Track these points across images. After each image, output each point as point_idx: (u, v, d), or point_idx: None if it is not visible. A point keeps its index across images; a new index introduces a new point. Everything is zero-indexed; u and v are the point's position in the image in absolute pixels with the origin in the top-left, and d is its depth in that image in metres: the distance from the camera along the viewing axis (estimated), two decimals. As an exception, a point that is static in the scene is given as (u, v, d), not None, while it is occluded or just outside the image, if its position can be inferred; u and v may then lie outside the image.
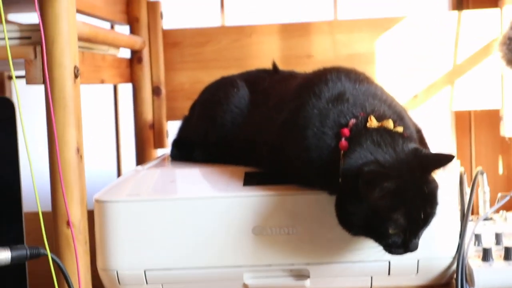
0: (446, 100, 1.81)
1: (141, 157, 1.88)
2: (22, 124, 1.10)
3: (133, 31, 1.86)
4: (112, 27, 1.94)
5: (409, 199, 1.05)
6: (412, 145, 1.10)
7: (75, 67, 1.22)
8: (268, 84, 1.41)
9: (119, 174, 2.07)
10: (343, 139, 1.12)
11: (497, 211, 1.43)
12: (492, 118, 1.90)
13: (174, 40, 1.88)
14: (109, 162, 2.06)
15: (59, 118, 1.20)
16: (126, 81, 1.84)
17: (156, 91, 1.87)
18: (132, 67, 1.86)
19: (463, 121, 1.95)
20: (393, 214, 1.05)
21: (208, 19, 1.98)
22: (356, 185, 1.06)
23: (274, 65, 1.50)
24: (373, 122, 1.12)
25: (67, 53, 1.21)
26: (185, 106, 1.83)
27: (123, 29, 1.90)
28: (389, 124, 1.11)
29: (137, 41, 1.80)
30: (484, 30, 1.79)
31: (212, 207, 1.21)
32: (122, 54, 1.80)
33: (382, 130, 1.10)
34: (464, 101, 1.81)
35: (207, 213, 1.21)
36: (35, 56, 1.23)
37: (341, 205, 1.10)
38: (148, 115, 1.87)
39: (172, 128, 1.89)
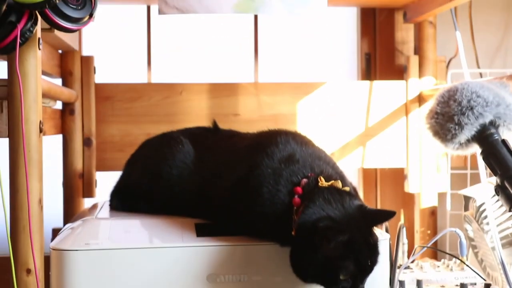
0: (359, 158, 2.00)
1: (69, 205, 1.93)
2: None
3: (66, 84, 1.92)
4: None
5: (358, 249, 1.20)
6: (357, 202, 1.25)
7: (40, 122, 1.29)
8: (212, 142, 1.53)
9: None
10: (296, 196, 1.25)
11: (412, 261, 1.61)
12: (395, 175, 2.10)
13: (106, 94, 1.96)
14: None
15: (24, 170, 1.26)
16: (58, 132, 1.90)
17: (86, 142, 1.94)
18: (63, 119, 1.92)
19: (370, 178, 2.15)
20: (344, 262, 1.19)
21: (140, 75, 2.08)
22: (311, 238, 1.19)
23: (215, 124, 1.62)
24: (323, 182, 1.26)
25: (34, 109, 1.28)
26: (114, 158, 1.92)
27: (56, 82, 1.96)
28: (338, 184, 1.26)
29: (73, 94, 1.87)
30: (392, 98, 2.01)
31: (169, 256, 1.30)
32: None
33: (332, 189, 1.25)
34: (374, 160, 2.00)
35: (164, 262, 1.30)
36: (1, 111, 1.29)
37: (296, 256, 1.22)
38: (78, 165, 1.93)
39: (101, 178, 1.96)
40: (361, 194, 2.13)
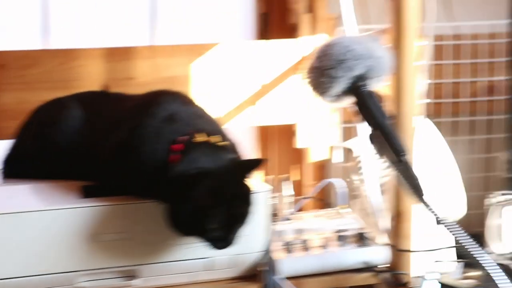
0: (252, 117, 2.06)
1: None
2: None
3: (-43, 53, 1.91)
4: None
5: (226, 198, 1.27)
6: (231, 155, 1.32)
7: None
8: (101, 105, 1.56)
9: None
10: (172, 154, 1.31)
11: (293, 213, 1.69)
12: (284, 132, 2.18)
13: (-2, 62, 1.95)
14: None
15: None
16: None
17: (-21, 111, 1.93)
18: (-44, 88, 1.91)
19: (264, 135, 2.22)
20: (213, 211, 1.26)
21: (33, 41, 2.07)
22: (179, 190, 1.25)
23: (105, 88, 1.65)
24: (198, 138, 1.32)
25: None
26: (9, 126, 1.90)
27: None
28: (214, 139, 1.33)
29: (-35, 63, 1.86)
30: (285, 57, 2.08)
31: (51, 218, 1.33)
32: None
33: (206, 144, 1.32)
34: (267, 117, 2.07)
35: (46, 225, 1.33)
36: None
37: (169, 211, 1.29)
38: (-29, 134, 1.92)
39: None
40: (255, 151, 2.19)
